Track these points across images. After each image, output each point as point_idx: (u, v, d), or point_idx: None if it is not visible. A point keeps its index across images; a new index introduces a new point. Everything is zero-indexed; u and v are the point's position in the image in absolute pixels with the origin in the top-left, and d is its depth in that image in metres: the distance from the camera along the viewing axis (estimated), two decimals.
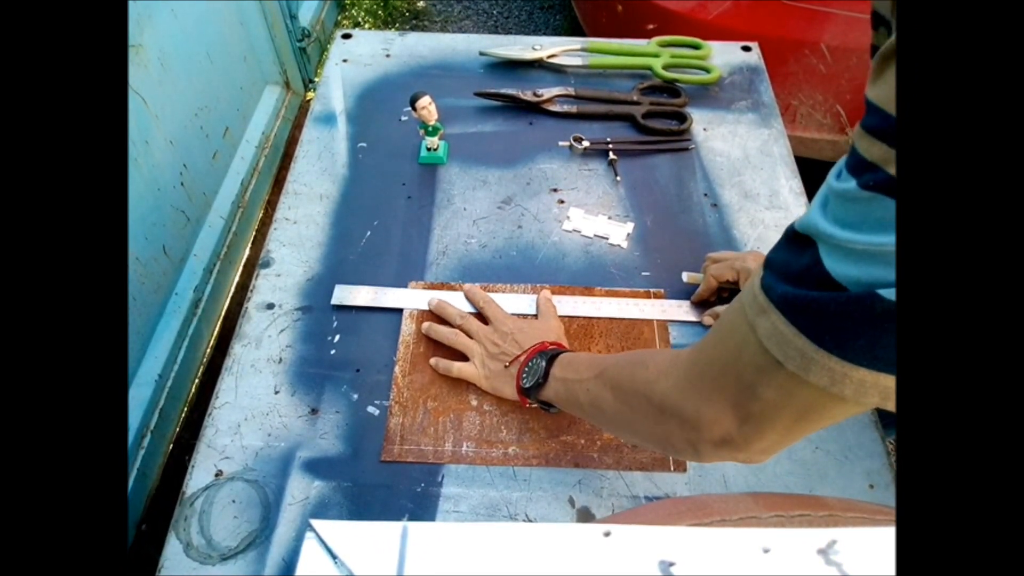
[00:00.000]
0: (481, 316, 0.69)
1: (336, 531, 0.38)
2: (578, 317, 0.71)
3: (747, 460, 0.43)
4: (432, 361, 0.67)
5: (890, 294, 0.30)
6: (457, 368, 0.65)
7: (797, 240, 0.35)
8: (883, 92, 0.30)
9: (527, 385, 0.60)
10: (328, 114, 0.92)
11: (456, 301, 0.71)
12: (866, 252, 0.31)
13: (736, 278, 0.69)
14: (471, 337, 0.67)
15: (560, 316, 0.70)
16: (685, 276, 0.74)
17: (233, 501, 0.59)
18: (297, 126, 1.32)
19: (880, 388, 0.33)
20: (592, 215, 0.81)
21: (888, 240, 0.30)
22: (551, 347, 0.61)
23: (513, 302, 0.71)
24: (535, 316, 0.70)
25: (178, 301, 0.95)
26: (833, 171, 0.34)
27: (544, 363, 0.58)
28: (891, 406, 0.33)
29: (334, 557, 0.37)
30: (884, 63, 0.30)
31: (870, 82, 0.31)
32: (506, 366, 0.63)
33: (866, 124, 0.30)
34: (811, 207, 0.35)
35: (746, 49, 1.03)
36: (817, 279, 0.33)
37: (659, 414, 0.45)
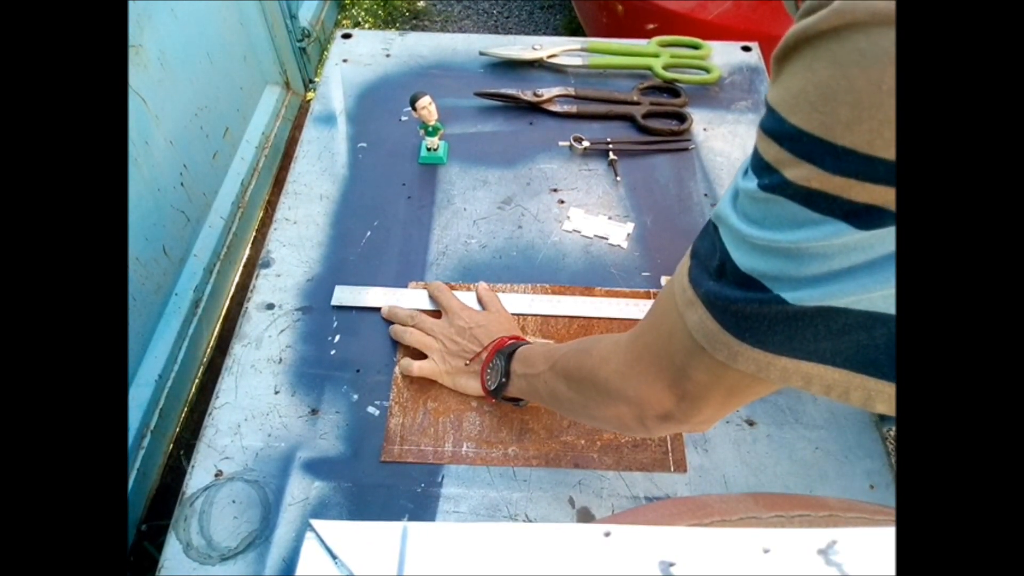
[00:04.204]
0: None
1: (336, 531, 0.38)
2: (578, 317, 0.71)
3: (691, 430, 0.46)
4: (396, 360, 0.67)
5: (795, 298, 0.32)
6: (417, 367, 0.65)
7: (712, 233, 0.37)
8: (778, 94, 0.30)
9: (492, 386, 0.61)
10: (328, 114, 0.92)
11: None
12: (767, 248, 0.33)
13: None
14: (427, 334, 0.67)
15: (560, 316, 0.70)
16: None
17: (233, 501, 0.59)
18: (297, 126, 1.32)
19: (802, 374, 0.35)
20: (592, 215, 0.81)
21: (784, 237, 0.31)
22: (509, 342, 0.62)
23: (513, 302, 0.71)
24: (532, 316, 0.70)
25: (178, 301, 0.95)
26: (741, 167, 0.35)
27: (503, 362, 0.59)
28: (813, 389, 0.35)
29: (334, 557, 0.37)
30: (779, 65, 0.30)
31: (770, 84, 0.32)
32: (467, 363, 0.63)
33: (764, 125, 0.31)
34: (723, 198, 0.36)
35: (746, 49, 1.02)
36: (732, 273, 0.35)
37: (606, 397, 0.47)
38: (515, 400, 0.62)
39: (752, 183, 0.32)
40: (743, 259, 0.34)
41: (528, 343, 0.62)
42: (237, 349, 0.69)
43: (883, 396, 0.34)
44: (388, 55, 1.01)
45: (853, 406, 0.35)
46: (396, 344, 0.69)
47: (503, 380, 0.59)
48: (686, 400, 0.42)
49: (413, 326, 0.68)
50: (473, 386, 0.63)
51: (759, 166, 0.32)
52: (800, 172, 0.29)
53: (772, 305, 0.33)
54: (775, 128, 0.30)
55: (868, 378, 0.34)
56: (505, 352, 0.60)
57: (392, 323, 0.70)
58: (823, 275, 0.31)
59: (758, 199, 0.32)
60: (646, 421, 0.45)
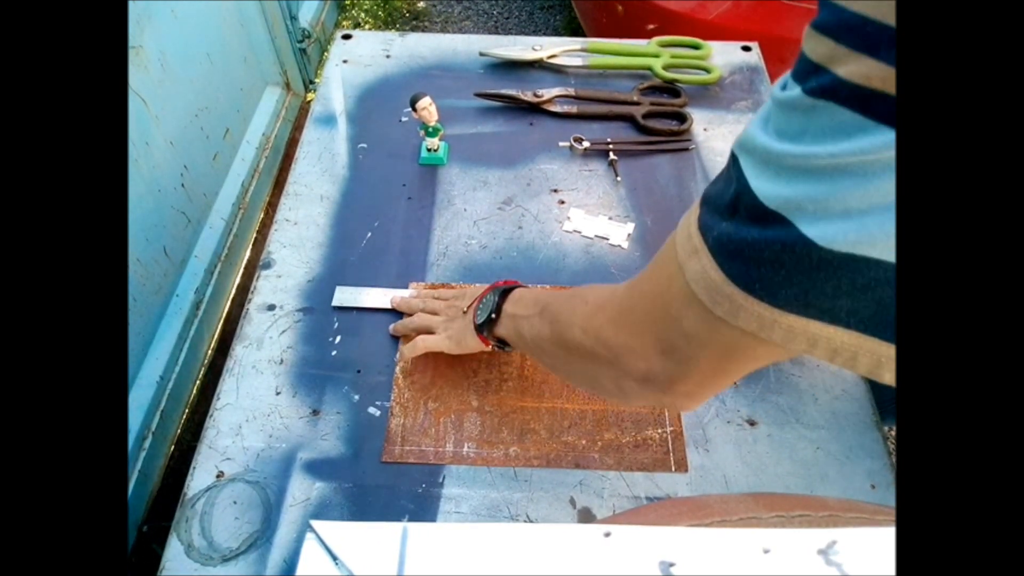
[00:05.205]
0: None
1: (336, 532, 0.38)
2: None
3: (673, 404, 0.43)
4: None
5: (822, 237, 0.28)
6: (421, 342, 0.64)
7: (730, 166, 0.34)
8: None
9: (480, 320, 0.59)
10: (328, 115, 0.93)
11: None
12: (797, 167, 0.29)
13: None
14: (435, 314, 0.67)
15: None
16: None
17: (234, 502, 0.59)
18: (297, 127, 1.32)
19: (808, 335, 0.32)
20: (592, 215, 0.81)
21: (825, 150, 0.28)
22: (504, 285, 0.61)
23: None
24: None
25: (179, 303, 0.95)
26: (779, 82, 0.31)
27: (497, 298, 0.58)
28: (817, 353, 0.32)
29: (335, 558, 0.37)
30: None
31: None
32: (464, 313, 0.63)
33: (815, 22, 0.28)
34: (750, 124, 0.33)
35: (746, 49, 1.02)
36: (748, 208, 0.32)
37: (590, 348, 0.45)
38: (502, 343, 0.60)
39: (795, 90, 0.29)
40: (766, 186, 0.31)
41: (526, 287, 0.60)
42: (238, 350, 0.69)
43: (893, 364, 0.31)
44: (388, 56, 1.01)
45: (857, 373, 0.33)
46: (396, 344, 0.69)
47: (492, 316, 0.57)
48: (672, 359, 0.39)
49: (422, 308, 0.68)
50: (472, 340, 0.62)
51: (804, 70, 0.29)
52: (858, 68, 0.26)
53: (796, 248, 0.29)
54: (830, 20, 0.27)
55: (880, 342, 0.31)
56: (500, 290, 0.59)
57: (400, 313, 0.70)
58: (857, 209, 0.27)
59: (800, 107, 0.29)
60: (623, 382, 0.43)
